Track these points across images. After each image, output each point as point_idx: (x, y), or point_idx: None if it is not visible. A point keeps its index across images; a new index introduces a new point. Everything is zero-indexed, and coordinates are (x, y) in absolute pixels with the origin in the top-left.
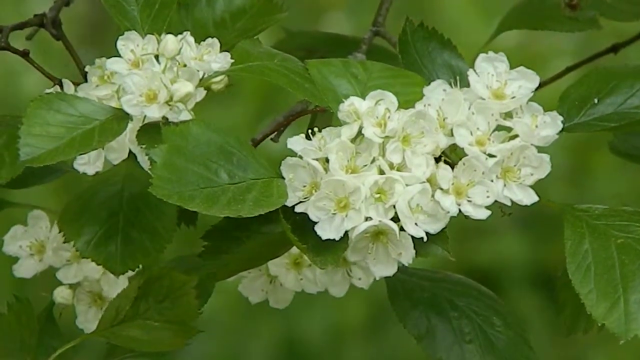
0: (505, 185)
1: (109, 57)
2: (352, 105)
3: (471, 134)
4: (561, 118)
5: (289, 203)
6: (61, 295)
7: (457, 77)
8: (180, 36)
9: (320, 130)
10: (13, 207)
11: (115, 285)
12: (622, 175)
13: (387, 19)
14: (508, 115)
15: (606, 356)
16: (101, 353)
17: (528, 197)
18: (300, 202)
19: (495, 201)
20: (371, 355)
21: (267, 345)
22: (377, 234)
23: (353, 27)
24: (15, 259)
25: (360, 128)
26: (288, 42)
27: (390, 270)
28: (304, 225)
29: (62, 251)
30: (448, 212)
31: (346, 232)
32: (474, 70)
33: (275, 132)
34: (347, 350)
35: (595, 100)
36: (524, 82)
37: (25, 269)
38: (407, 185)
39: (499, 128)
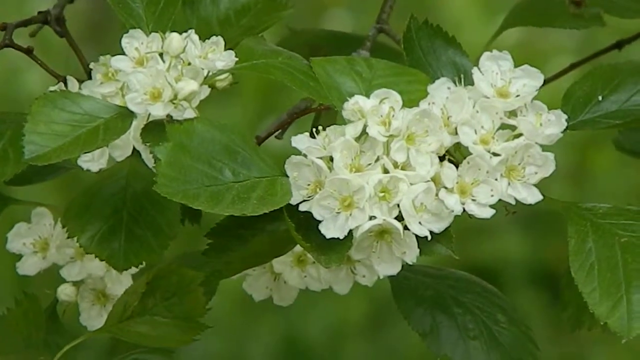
0: (509, 184)
1: (112, 55)
2: (357, 103)
3: (475, 132)
4: (565, 116)
5: (293, 201)
6: (65, 292)
7: (462, 75)
8: (184, 34)
9: (324, 129)
10: (16, 204)
11: (119, 283)
12: (622, 174)
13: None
14: (512, 113)
15: (607, 354)
16: (101, 351)
17: (532, 196)
18: (305, 200)
19: (500, 200)
20: (372, 353)
21: (268, 343)
22: (382, 233)
23: (355, 24)
24: (19, 257)
25: (365, 127)
26: (292, 39)
27: (395, 269)
28: (308, 224)
29: (66, 248)
30: (452, 211)
31: (350, 231)
32: (478, 69)
33: (280, 130)
34: (348, 348)
35: (600, 98)
36: (529, 81)
37: (29, 266)
38: (411, 184)
39: (503, 126)
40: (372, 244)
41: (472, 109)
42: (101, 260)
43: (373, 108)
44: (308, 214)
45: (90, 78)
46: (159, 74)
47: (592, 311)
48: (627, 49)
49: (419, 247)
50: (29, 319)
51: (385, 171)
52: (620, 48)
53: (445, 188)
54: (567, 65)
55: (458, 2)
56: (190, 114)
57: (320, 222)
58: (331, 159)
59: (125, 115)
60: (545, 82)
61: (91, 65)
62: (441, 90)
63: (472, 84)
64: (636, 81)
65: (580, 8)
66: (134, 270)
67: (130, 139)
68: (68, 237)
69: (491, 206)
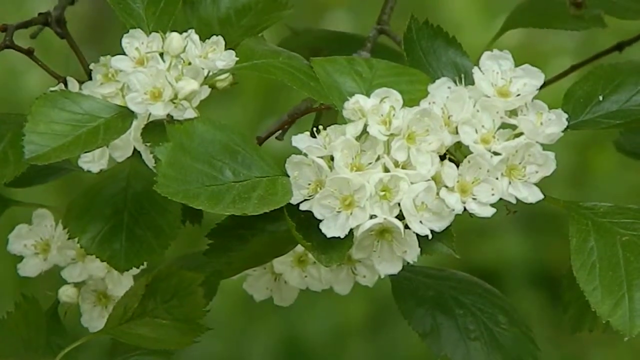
0: (510, 183)
1: (112, 56)
2: (357, 103)
3: (476, 131)
4: (566, 115)
5: (294, 201)
6: (66, 294)
7: (462, 75)
8: (185, 34)
9: (325, 128)
10: (17, 206)
11: (120, 284)
12: (623, 175)
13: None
14: (513, 112)
15: (607, 355)
16: (102, 353)
17: (533, 195)
18: (305, 200)
19: (500, 199)
20: (372, 353)
21: (268, 343)
22: (382, 232)
23: (356, 25)
24: (20, 258)
25: (365, 126)
26: (293, 40)
27: (395, 268)
28: (308, 223)
29: (67, 250)
30: (453, 209)
31: (351, 230)
32: (479, 68)
33: (280, 130)
34: (348, 348)
35: (600, 98)
36: (529, 80)
37: (30, 267)
38: (412, 183)
39: (503, 126)
40: (373, 243)
41: (473, 108)
42: (102, 260)
43: (373, 107)
44: (309, 213)
45: (90, 79)
46: (160, 73)
47: (594, 310)
48: (628, 51)
49: (419, 246)
50: (29, 322)
51: (386, 170)
52: (621, 50)
53: (446, 187)
54: (568, 67)
55: (458, 3)
56: (190, 113)
57: (321, 221)
58: (332, 158)
59: (126, 115)
60: (546, 83)
61: (91, 66)
62: (442, 89)
63: (473, 84)
64: (636, 81)
65: (581, 9)
66: (135, 271)
67: (130, 140)
68: (69, 238)
69: (492, 205)
